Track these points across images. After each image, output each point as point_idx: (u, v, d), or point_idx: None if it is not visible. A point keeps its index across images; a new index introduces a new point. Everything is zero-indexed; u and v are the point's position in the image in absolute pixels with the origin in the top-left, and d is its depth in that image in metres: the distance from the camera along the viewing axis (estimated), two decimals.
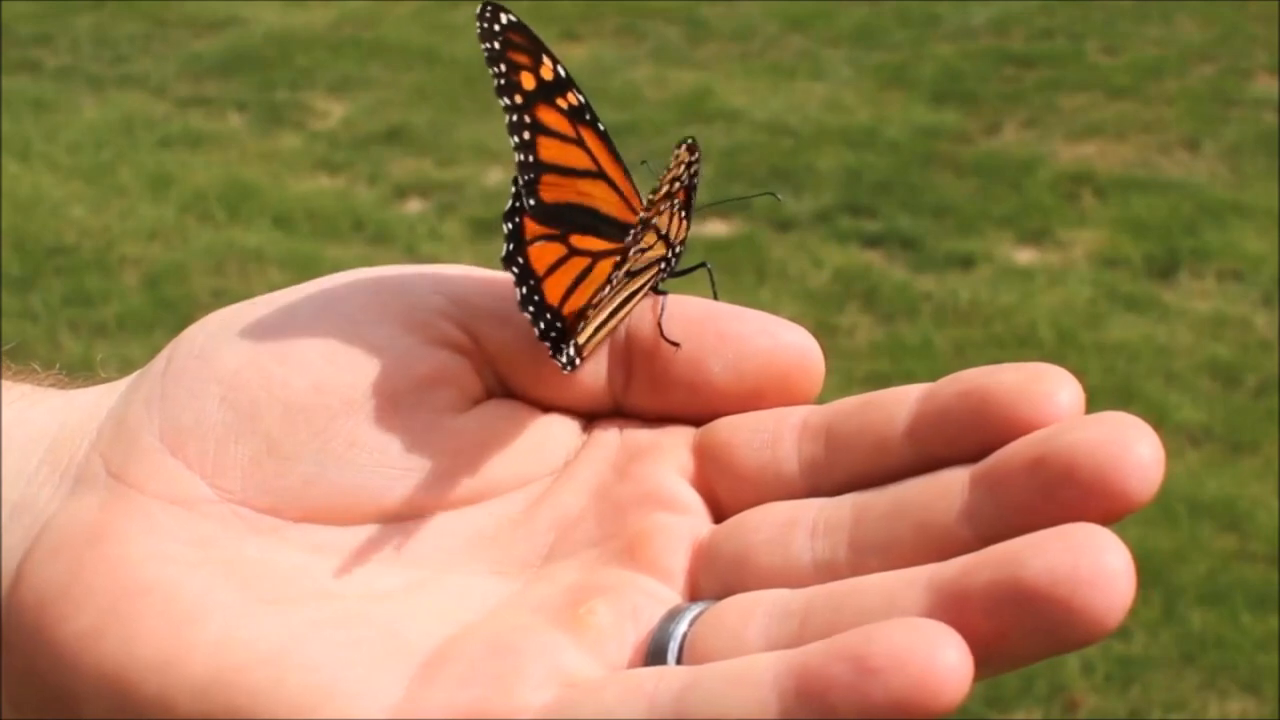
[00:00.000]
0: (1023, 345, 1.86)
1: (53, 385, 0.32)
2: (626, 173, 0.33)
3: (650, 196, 0.30)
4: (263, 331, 0.30)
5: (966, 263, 2.10)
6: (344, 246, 2.19)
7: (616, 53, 2.89)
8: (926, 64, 2.78)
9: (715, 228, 2.16)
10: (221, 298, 2.01)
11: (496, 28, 0.31)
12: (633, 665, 0.26)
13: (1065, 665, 1.37)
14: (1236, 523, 1.55)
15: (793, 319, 0.31)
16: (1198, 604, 1.44)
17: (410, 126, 2.58)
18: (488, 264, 0.33)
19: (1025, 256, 2.13)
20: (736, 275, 2.02)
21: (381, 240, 2.22)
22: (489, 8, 0.31)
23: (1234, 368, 1.83)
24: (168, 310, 2.02)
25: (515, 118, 0.31)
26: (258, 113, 2.67)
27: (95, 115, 2.66)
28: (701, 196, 0.32)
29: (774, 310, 0.31)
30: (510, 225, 0.31)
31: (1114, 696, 1.36)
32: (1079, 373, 0.27)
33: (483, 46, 0.31)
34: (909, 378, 0.29)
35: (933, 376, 0.29)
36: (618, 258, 0.31)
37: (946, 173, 2.37)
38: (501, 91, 0.31)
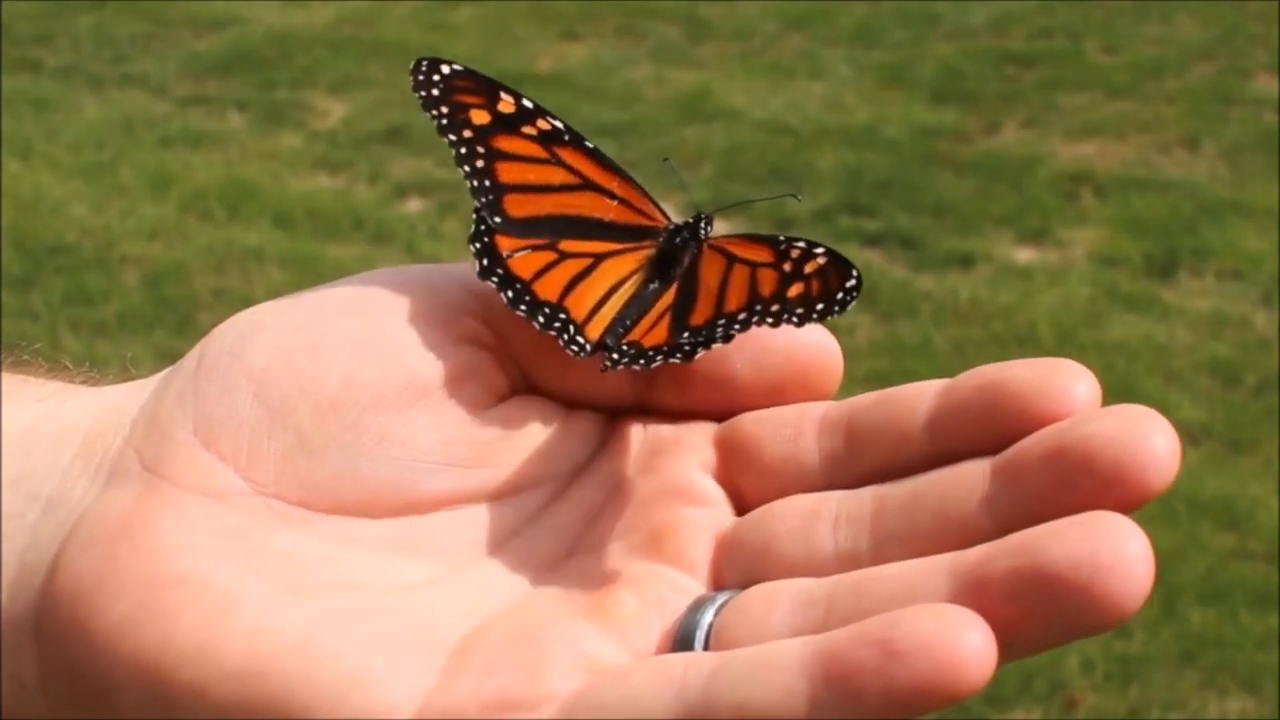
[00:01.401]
0: (1022, 344, 1.86)
1: (84, 382, 0.33)
2: (627, 179, 0.34)
3: None
4: (292, 329, 0.30)
5: (966, 262, 2.10)
6: (344, 246, 2.19)
7: (616, 53, 2.89)
8: (926, 64, 2.78)
9: (715, 228, 2.16)
10: (222, 297, 2.02)
11: (436, 78, 0.34)
12: (660, 653, 0.27)
13: (1065, 664, 1.37)
14: (1236, 522, 1.56)
15: None
16: (1197, 603, 1.45)
17: (410, 126, 2.58)
18: None
19: (1025, 256, 2.13)
20: None
21: (381, 240, 2.22)
22: (424, 63, 0.34)
23: (1234, 367, 1.83)
24: (168, 309, 2.02)
25: (464, 149, 0.34)
26: (258, 112, 2.67)
27: (96, 115, 2.66)
28: (704, 197, 0.33)
29: None
30: (478, 245, 0.32)
31: (1113, 695, 1.36)
32: None
33: (418, 95, 0.34)
34: (909, 376, 0.29)
35: (933, 375, 0.30)
36: (627, 255, 0.32)
37: (946, 172, 2.37)
38: (444, 130, 0.34)
